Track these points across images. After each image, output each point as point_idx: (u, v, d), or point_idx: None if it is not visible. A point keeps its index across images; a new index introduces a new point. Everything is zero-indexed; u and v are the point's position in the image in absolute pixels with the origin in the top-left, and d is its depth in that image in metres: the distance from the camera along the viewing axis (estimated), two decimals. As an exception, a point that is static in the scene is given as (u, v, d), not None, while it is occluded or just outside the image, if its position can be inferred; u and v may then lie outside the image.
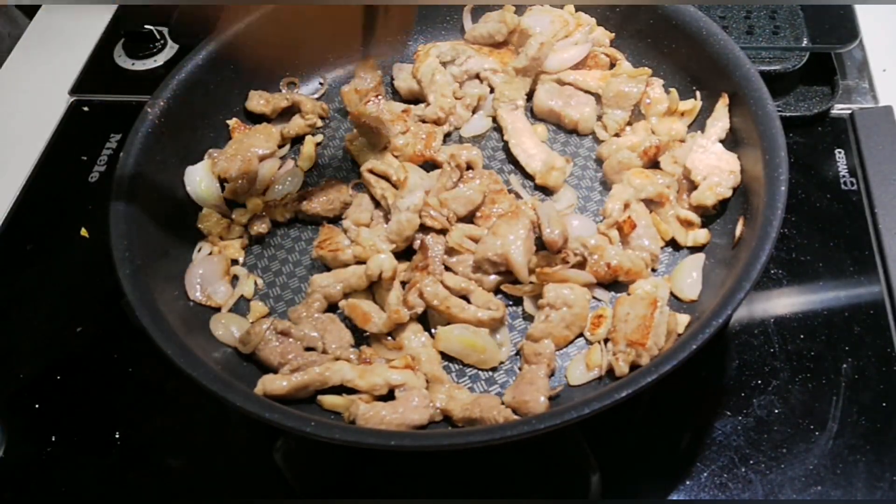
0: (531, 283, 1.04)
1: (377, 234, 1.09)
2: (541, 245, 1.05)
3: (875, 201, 1.23)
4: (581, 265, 1.04)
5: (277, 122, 1.28)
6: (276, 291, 1.12)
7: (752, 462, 1.02)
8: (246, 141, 1.21)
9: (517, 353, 1.03)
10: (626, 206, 1.09)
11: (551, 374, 0.99)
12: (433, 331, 1.04)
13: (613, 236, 1.08)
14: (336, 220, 1.16)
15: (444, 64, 1.27)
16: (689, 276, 1.04)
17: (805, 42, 1.33)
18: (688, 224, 1.09)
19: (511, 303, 1.07)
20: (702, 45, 1.15)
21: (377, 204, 1.15)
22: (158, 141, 1.12)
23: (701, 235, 1.08)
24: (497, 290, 1.07)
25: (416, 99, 1.28)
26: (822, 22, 1.36)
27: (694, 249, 1.09)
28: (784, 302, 1.16)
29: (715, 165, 1.09)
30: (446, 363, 1.03)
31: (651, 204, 1.11)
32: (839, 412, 1.04)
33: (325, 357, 1.01)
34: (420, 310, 1.03)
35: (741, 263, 0.94)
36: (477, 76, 1.28)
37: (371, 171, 1.15)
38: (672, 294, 1.04)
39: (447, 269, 1.07)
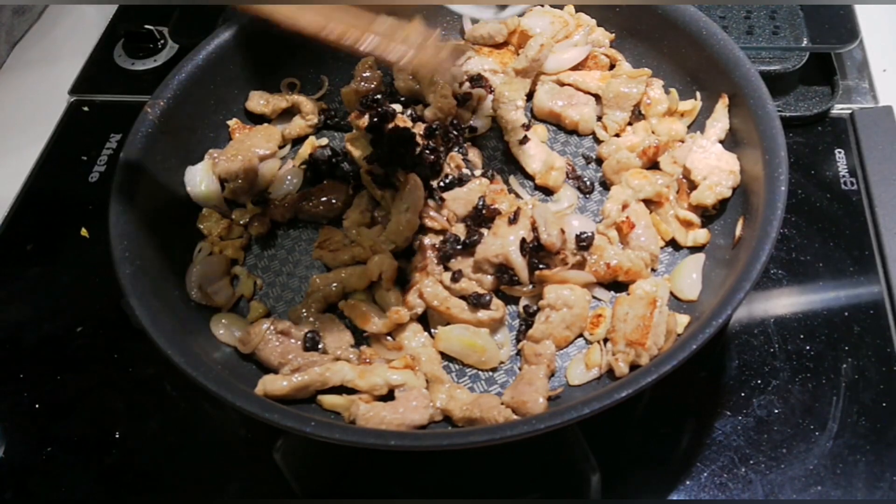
0: (532, 283, 1.04)
1: (377, 234, 1.09)
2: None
3: (875, 201, 1.23)
4: (580, 265, 1.04)
5: (277, 123, 1.28)
6: (276, 291, 1.12)
7: (752, 462, 1.02)
8: (246, 141, 1.21)
9: (517, 353, 1.03)
10: (625, 206, 1.09)
11: (551, 375, 0.99)
12: (433, 331, 1.04)
13: (613, 236, 1.08)
14: (336, 220, 1.16)
15: None
16: (689, 277, 1.04)
17: (805, 42, 1.33)
18: (687, 224, 1.09)
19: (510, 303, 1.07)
20: (702, 45, 1.15)
21: (377, 204, 1.15)
22: (158, 141, 1.12)
23: (701, 235, 1.08)
24: (497, 290, 1.07)
25: (417, 99, 1.28)
26: (822, 22, 1.36)
27: (694, 249, 1.09)
28: (784, 302, 1.16)
29: (715, 165, 1.09)
30: (446, 363, 1.03)
31: (650, 204, 1.11)
32: (839, 412, 1.04)
33: (325, 357, 1.01)
34: (420, 310, 1.03)
35: (741, 263, 0.94)
36: (477, 76, 1.28)
37: (370, 172, 1.15)
38: (672, 294, 1.04)
39: (447, 269, 1.07)
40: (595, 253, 1.04)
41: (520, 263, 1.02)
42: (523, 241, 1.03)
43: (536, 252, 1.04)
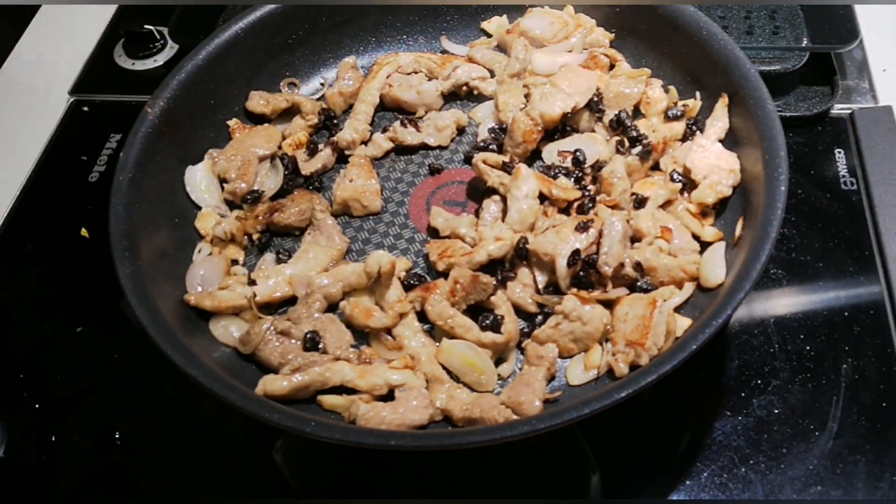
0: (563, 293, 1.02)
1: (496, 227, 1.08)
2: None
3: (875, 201, 1.23)
4: (630, 285, 1.02)
5: (277, 123, 1.28)
6: (276, 291, 1.11)
7: (752, 462, 1.02)
8: (246, 141, 1.21)
9: (521, 352, 1.02)
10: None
11: (551, 379, 0.99)
12: (437, 345, 1.02)
13: (656, 248, 1.04)
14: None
15: (429, 78, 1.28)
16: (715, 263, 1.01)
17: (805, 42, 1.33)
18: (702, 215, 1.08)
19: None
20: (702, 45, 1.15)
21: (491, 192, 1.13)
22: (158, 141, 1.12)
23: (711, 232, 1.07)
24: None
25: (399, 107, 1.28)
26: (822, 22, 1.36)
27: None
28: (784, 302, 1.16)
29: (714, 164, 1.09)
30: (446, 363, 1.02)
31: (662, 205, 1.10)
32: (839, 412, 1.05)
33: (325, 357, 1.01)
34: (419, 305, 1.03)
35: (741, 263, 0.94)
36: (466, 85, 1.27)
37: (485, 162, 1.13)
38: (700, 286, 1.02)
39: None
40: (650, 273, 1.02)
41: (563, 273, 1.01)
42: (577, 252, 1.00)
43: (585, 266, 1.01)
